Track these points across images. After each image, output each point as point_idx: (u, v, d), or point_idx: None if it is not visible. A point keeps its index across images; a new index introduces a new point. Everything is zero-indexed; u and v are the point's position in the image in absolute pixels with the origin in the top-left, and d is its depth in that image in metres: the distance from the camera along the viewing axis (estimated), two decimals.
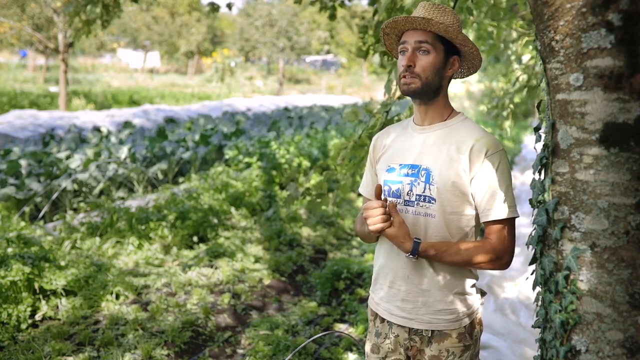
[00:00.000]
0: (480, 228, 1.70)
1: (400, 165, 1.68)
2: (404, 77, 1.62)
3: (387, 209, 1.57)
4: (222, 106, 16.29)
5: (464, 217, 1.62)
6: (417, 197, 1.63)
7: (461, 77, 1.76)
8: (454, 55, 1.63)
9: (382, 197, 1.73)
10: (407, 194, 1.65)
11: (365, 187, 1.86)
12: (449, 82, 1.68)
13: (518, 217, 1.60)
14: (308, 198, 2.88)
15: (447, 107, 1.68)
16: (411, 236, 1.59)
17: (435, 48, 1.59)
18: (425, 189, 1.61)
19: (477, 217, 1.64)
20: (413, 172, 1.64)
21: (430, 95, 1.64)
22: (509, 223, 1.60)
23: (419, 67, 1.59)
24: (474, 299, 1.70)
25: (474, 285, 1.71)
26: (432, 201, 1.61)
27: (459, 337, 1.66)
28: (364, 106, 2.76)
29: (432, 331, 1.66)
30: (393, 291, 1.70)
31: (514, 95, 6.39)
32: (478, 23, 4.89)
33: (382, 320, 1.75)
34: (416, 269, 1.65)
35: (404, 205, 1.66)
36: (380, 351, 1.75)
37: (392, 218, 1.58)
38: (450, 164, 1.59)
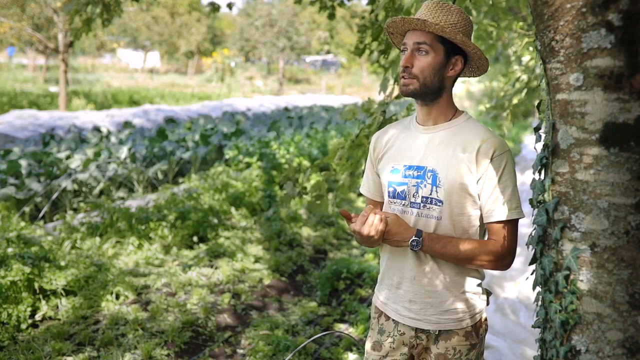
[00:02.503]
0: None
1: (405, 166, 1.67)
2: (403, 78, 1.61)
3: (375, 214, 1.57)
4: (222, 106, 16.27)
5: (469, 218, 1.62)
6: (423, 199, 1.62)
7: (471, 77, 1.75)
8: (456, 55, 1.61)
9: (386, 198, 1.73)
10: (413, 195, 1.64)
11: (367, 187, 1.85)
12: (454, 82, 1.66)
13: (523, 217, 1.60)
14: (305, 197, 2.87)
15: (450, 107, 1.67)
16: (410, 226, 1.61)
17: (435, 49, 1.58)
18: (432, 191, 1.61)
19: (481, 217, 1.64)
20: (419, 173, 1.63)
21: (431, 96, 1.63)
22: (513, 224, 1.60)
23: (417, 68, 1.59)
24: (480, 298, 1.71)
25: (479, 285, 1.71)
26: (439, 203, 1.60)
27: (465, 336, 1.67)
28: (362, 105, 2.75)
29: (440, 330, 1.67)
30: (400, 292, 1.70)
31: (513, 96, 6.39)
32: (477, 23, 4.90)
33: (388, 317, 1.75)
34: (422, 270, 1.65)
35: (410, 207, 1.66)
36: (381, 349, 1.75)
37: (383, 217, 1.58)
38: (456, 165, 1.58)
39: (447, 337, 1.66)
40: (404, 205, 1.66)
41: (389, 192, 1.70)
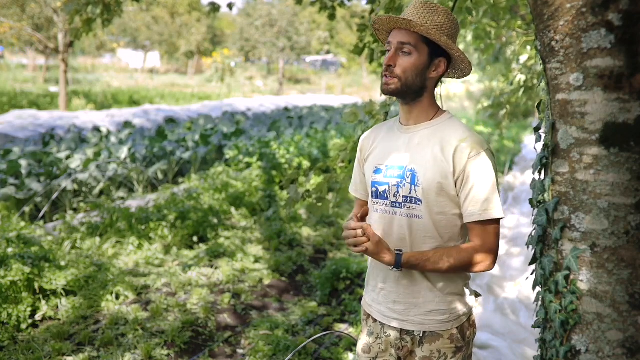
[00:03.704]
0: None
1: (387, 166, 1.67)
2: (385, 76, 1.60)
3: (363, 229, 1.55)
4: (222, 106, 16.28)
5: (451, 217, 1.61)
6: (404, 198, 1.62)
7: (454, 78, 1.74)
8: (440, 57, 1.60)
9: (370, 198, 1.73)
10: (394, 195, 1.63)
11: (355, 187, 1.86)
12: (436, 83, 1.66)
13: (503, 217, 1.58)
14: (308, 200, 2.87)
15: (432, 106, 1.66)
16: (391, 250, 1.58)
17: (418, 49, 1.57)
18: (411, 190, 1.60)
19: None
20: (399, 173, 1.63)
21: (412, 96, 1.62)
22: (494, 224, 1.58)
23: (399, 68, 1.58)
24: (467, 300, 1.69)
25: (466, 286, 1.70)
26: (418, 202, 1.60)
27: (450, 338, 1.65)
28: (363, 107, 2.74)
29: (424, 332, 1.65)
30: (384, 293, 1.70)
31: (510, 95, 6.39)
32: (477, 23, 4.90)
33: (375, 320, 1.75)
34: (406, 271, 1.64)
35: (391, 206, 1.65)
36: (371, 351, 1.75)
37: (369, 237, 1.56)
38: (435, 164, 1.58)
39: (432, 340, 1.65)
40: (385, 205, 1.66)
41: (372, 192, 1.70)
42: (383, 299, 1.70)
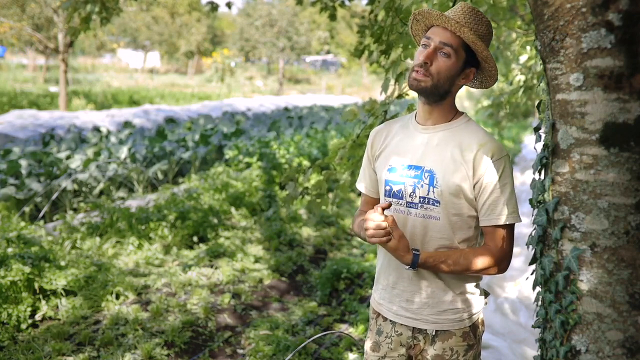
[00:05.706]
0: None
1: (403, 165, 1.65)
2: (417, 72, 1.57)
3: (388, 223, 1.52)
4: (222, 106, 16.27)
5: (467, 219, 1.61)
6: (421, 199, 1.61)
7: (472, 87, 1.73)
8: (472, 67, 1.60)
9: (382, 196, 1.72)
10: (410, 195, 1.63)
11: (363, 183, 1.83)
12: (459, 89, 1.65)
13: (519, 222, 1.59)
14: (307, 197, 2.88)
15: (451, 108, 1.66)
16: (410, 249, 1.57)
17: (457, 54, 1.56)
18: (429, 191, 1.60)
19: (478, 219, 1.63)
20: (416, 173, 1.62)
21: (436, 98, 1.61)
22: (509, 228, 1.59)
23: (435, 68, 1.56)
24: (478, 299, 1.70)
25: (477, 285, 1.71)
26: (436, 204, 1.59)
27: (463, 336, 1.66)
28: (363, 105, 2.74)
29: (437, 330, 1.66)
30: (396, 292, 1.70)
31: (510, 95, 6.38)
32: None
33: (385, 318, 1.75)
34: (419, 270, 1.64)
35: (406, 207, 1.64)
36: (380, 350, 1.75)
37: (392, 232, 1.55)
38: (454, 167, 1.57)
39: (445, 338, 1.66)
40: (400, 204, 1.65)
41: (385, 190, 1.69)
42: (395, 298, 1.70)
